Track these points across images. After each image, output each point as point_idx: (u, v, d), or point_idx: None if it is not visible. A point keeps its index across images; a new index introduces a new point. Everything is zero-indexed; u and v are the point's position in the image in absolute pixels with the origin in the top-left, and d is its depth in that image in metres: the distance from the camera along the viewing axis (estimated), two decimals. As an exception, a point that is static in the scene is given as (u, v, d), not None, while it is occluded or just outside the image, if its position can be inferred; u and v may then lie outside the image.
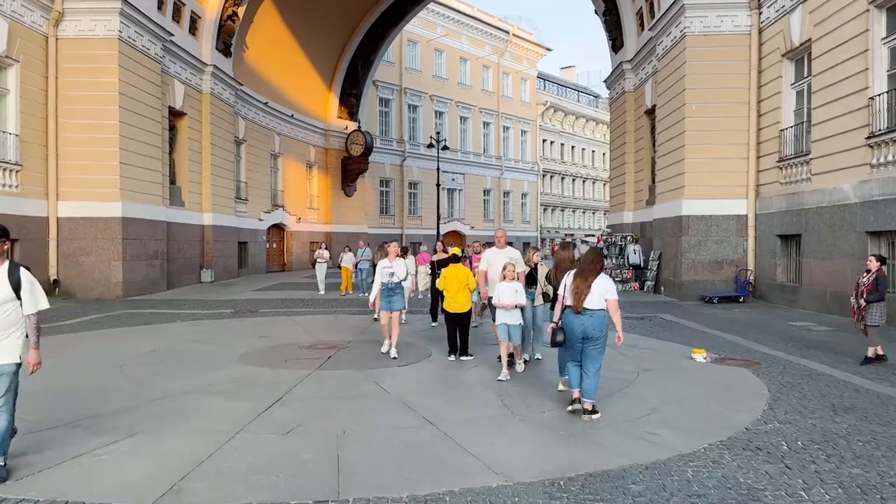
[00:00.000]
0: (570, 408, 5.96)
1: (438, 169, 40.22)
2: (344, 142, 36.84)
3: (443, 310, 9.02)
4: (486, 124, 50.83)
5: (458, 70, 48.20)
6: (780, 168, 16.43)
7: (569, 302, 6.00)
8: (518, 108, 53.57)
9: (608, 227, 26.60)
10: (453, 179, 47.05)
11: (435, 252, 14.11)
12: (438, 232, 40.82)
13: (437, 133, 41.00)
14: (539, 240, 56.24)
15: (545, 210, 58.23)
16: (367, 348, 9.25)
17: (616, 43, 24.91)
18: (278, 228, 32.56)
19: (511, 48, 51.69)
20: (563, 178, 60.56)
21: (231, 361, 8.25)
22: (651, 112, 22.19)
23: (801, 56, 16.01)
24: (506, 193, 52.81)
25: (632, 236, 21.29)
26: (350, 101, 37.55)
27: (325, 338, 10.37)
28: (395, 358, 8.45)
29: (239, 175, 27.87)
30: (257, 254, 29.58)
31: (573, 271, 6.23)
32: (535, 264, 8.54)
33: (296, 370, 7.67)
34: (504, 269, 7.71)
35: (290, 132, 33.12)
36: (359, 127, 36.98)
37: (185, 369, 7.76)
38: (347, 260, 19.94)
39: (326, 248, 21.18)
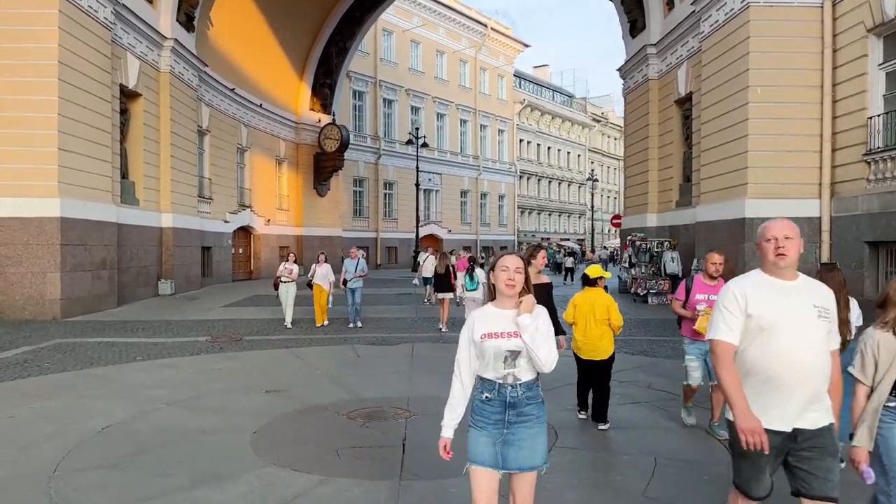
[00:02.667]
0: None
1: (418, 168, 37.16)
2: (317, 136, 33.34)
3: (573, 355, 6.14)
4: (462, 122, 47.93)
5: (435, 64, 45.18)
6: (868, 163, 13.88)
7: None
8: (495, 106, 50.88)
9: (623, 230, 23.91)
10: (430, 179, 43.93)
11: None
12: (417, 235, 37.75)
13: (416, 129, 37.91)
14: (516, 244, 53.66)
15: (522, 213, 55.61)
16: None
17: (636, 25, 22.27)
18: (245, 231, 28.86)
19: (489, 42, 48.97)
20: (539, 180, 58.09)
21: (241, 455, 4.94)
22: (684, 101, 19.57)
23: (893, 31, 13.51)
24: (483, 195, 49.99)
25: (669, 242, 18.58)
26: (323, 91, 34.05)
27: (365, 391, 7.14)
28: None
29: (202, 170, 24.17)
30: (223, 261, 25.87)
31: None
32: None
33: (366, 480, 4.39)
34: None
35: (259, 124, 29.48)
36: (333, 120, 33.54)
37: (164, 481, 4.43)
38: (321, 275, 13.51)
39: (295, 261, 14.07)
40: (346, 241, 36.34)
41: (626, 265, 19.43)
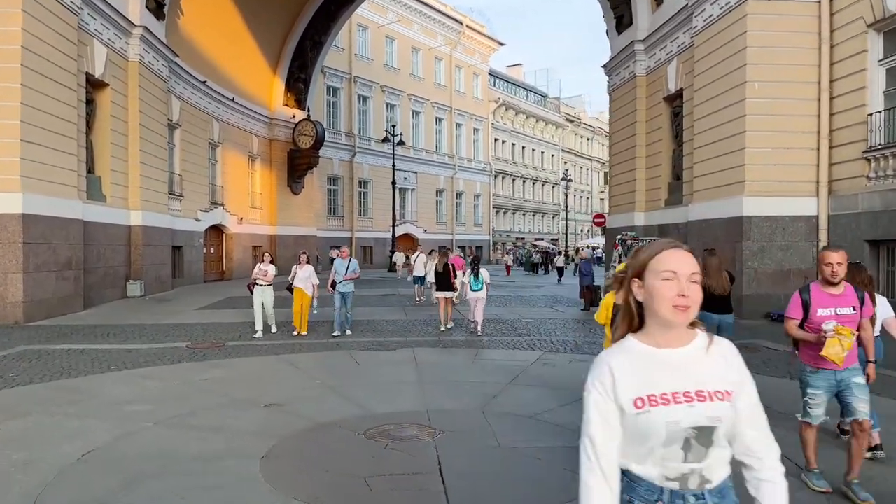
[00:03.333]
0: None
1: (394, 166, 36.41)
2: (291, 132, 32.38)
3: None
4: (438, 120, 47.30)
5: (411, 60, 44.47)
6: (868, 160, 13.64)
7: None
8: (470, 105, 50.37)
9: (609, 229, 23.53)
10: (405, 178, 43.15)
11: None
12: (394, 235, 37.03)
13: (393, 127, 37.18)
14: (491, 243, 53.30)
15: (497, 212, 55.19)
16: (476, 431, 5.42)
17: (622, 21, 21.88)
18: (216, 230, 27.77)
19: (464, 40, 48.45)
20: (514, 180, 57.74)
21: (253, 487, 4.20)
22: (674, 98, 19.23)
23: (894, 27, 13.28)
24: (458, 194, 49.41)
25: (661, 241, 18.17)
26: (297, 86, 33.08)
27: (376, 404, 6.45)
28: None
29: (172, 166, 23.08)
30: (194, 261, 24.80)
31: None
32: None
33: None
34: None
35: (231, 118, 28.41)
36: (308, 116, 32.59)
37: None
38: (304, 278, 11.93)
39: (272, 261, 12.29)
40: (321, 241, 35.46)
41: (616, 264, 18.99)
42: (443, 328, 12.40)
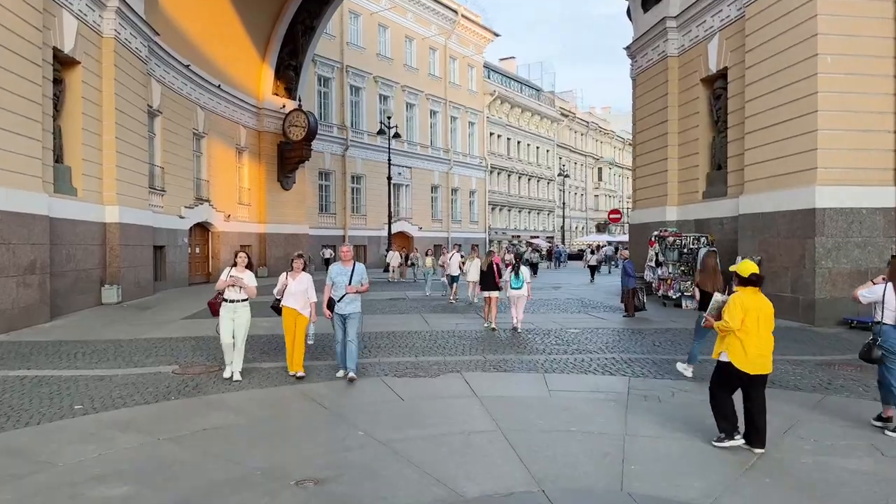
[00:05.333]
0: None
1: (389, 160, 34.27)
2: (281, 123, 30.17)
3: (723, 364, 5.30)
4: (433, 113, 45.16)
5: (404, 50, 42.30)
6: (963, 143, 11.87)
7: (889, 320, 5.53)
8: (465, 98, 48.31)
9: (635, 225, 21.64)
10: (399, 173, 40.97)
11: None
12: (390, 232, 34.94)
13: (389, 118, 35.05)
14: (487, 241, 51.35)
15: (492, 209, 53.21)
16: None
17: (649, -3, 20.00)
18: (202, 228, 25.52)
19: (458, 30, 46.40)
20: (509, 175, 55.77)
21: None
22: (714, 79, 17.38)
23: None
24: (454, 191, 47.34)
25: (707, 237, 16.33)
26: (288, 74, 30.86)
27: (462, 478, 4.40)
28: None
29: (153, 157, 20.80)
30: (178, 262, 22.53)
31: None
32: None
33: None
34: None
35: (217, 107, 26.13)
36: (299, 106, 30.37)
37: None
38: (298, 291, 8.13)
39: (249, 265, 8.19)
40: (313, 240, 33.32)
41: (653, 264, 17.12)
42: (486, 325, 12.51)
